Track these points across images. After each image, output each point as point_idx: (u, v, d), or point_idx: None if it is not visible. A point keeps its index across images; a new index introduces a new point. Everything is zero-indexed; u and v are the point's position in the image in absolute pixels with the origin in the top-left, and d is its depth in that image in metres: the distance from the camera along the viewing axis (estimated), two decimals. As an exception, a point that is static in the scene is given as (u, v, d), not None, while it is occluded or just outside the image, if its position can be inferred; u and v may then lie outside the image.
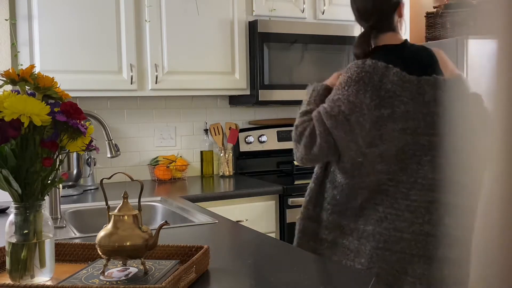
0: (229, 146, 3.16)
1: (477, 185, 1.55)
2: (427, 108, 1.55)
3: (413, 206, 1.54)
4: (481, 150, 1.37)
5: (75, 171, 2.60)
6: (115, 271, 1.16)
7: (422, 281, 1.56)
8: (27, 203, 1.11)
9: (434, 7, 3.48)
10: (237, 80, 2.90)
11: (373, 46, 1.67)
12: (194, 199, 2.39)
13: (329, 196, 1.67)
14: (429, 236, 1.54)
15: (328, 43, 3.00)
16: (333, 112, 1.53)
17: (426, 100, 1.54)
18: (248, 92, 2.95)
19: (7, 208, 2.03)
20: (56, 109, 1.08)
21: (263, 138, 3.24)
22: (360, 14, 1.68)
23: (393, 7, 1.65)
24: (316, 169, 1.75)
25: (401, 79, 1.53)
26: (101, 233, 1.15)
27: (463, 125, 1.41)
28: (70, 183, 2.58)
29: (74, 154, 2.54)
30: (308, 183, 1.78)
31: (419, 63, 1.61)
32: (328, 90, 1.65)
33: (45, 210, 1.16)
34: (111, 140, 1.96)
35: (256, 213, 2.60)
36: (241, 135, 3.21)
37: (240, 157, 3.21)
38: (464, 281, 1.39)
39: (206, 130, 3.19)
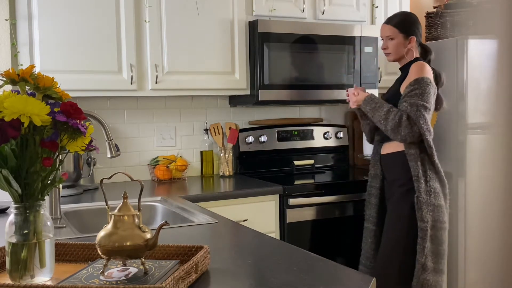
0: (229, 146, 3.16)
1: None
2: None
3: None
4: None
5: (75, 171, 2.60)
6: (115, 271, 1.16)
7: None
8: (27, 203, 1.11)
9: (434, 7, 3.48)
10: (237, 80, 2.90)
11: None
12: (194, 199, 2.39)
13: None
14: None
15: (328, 43, 2.99)
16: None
17: None
18: (248, 92, 2.95)
19: (7, 208, 2.03)
20: (56, 109, 1.08)
21: (263, 138, 3.24)
22: None
23: None
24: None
25: None
26: (101, 233, 1.15)
27: None
28: (70, 183, 2.58)
29: (74, 154, 2.54)
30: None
31: None
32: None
33: (45, 210, 1.16)
34: (111, 140, 1.96)
35: (256, 213, 2.60)
36: (241, 135, 3.20)
37: (240, 157, 3.21)
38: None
39: (206, 130, 3.19)
